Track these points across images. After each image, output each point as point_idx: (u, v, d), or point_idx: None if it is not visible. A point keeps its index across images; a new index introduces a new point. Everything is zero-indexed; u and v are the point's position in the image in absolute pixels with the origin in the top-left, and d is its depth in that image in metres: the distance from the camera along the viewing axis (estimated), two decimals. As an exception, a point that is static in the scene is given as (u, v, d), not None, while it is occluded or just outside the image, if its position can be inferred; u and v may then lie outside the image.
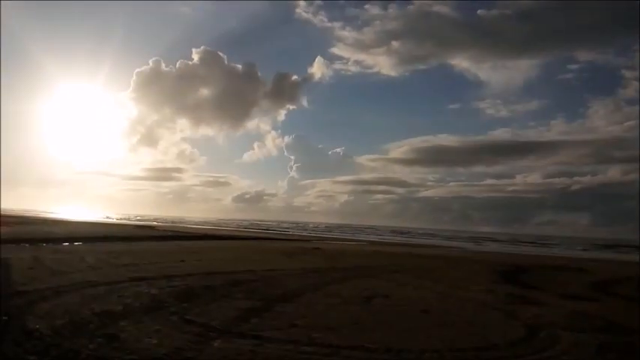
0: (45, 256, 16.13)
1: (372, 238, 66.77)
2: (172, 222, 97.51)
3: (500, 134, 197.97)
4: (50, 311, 7.73)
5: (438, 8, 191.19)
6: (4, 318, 7.13)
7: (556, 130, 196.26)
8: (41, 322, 6.90)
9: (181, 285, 11.16)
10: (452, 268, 21.41)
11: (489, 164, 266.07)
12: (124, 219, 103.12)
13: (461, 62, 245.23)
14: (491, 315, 9.98)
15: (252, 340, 6.68)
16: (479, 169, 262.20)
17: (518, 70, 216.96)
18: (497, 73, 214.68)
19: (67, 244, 24.12)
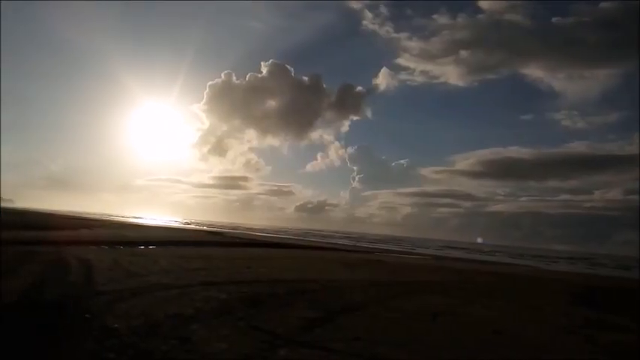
0: (122, 258, 17.22)
1: (436, 252, 64.95)
2: (239, 229, 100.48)
3: (577, 147, 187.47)
4: (127, 311, 8.23)
5: (509, 16, 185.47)
6: (86, 316, 7.68)
7: (638, 143, 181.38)
8: (119, 322, 7.36)
9: (248, 291, 11.46)
10: (524, 287, 20.35)
11: (564, 179, 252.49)
12: (194, 225, 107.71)
13: (534, 72, 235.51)
14: (568, 339, 9.35)
15: (316, 350, 6.72)
16: (553, 183, 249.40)
17: (596, 79, 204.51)
18: (574, 83, 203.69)
19: (142, 247, 25.59)
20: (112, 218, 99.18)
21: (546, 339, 9.22)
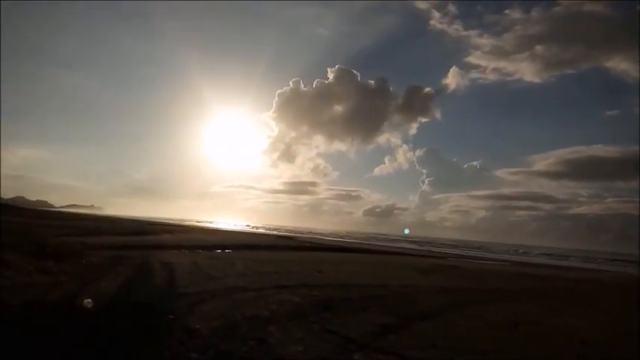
0: (201, 261, 18.05)
1: (515, 258, 61.71)
2: (308, 233, 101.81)
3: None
4: (207, 313, 8.61)
5: (589, 7, 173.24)
6: (170, 317, 8.13)
7: None
8: (200, 323, 7.71)
9: (320, 295, 11.56)
10: (613, 295, 18.78)
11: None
12: (265, 229, 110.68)
13: (618, 64, 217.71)
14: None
15: (391, 356, 6.63)
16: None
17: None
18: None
19: (219, 251, 26.69)
20: (190, 223, 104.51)
21: (638, 352, 8.44)
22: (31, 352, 5.78)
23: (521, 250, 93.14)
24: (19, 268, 11.84)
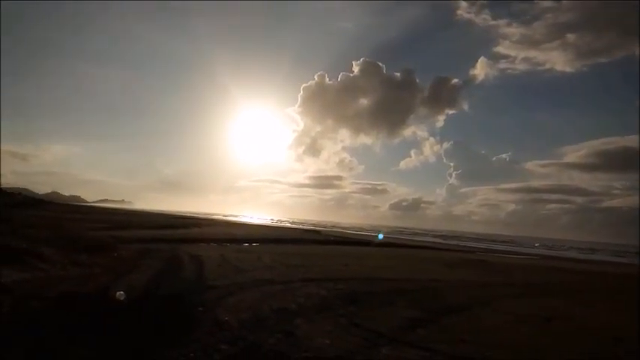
0: (229, 254, 18.29)
1: (546, 252, 60.28)
2: (334, 227, 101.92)
3: None
4: (236, 305, 8.70)
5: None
6: (200, 309, 8.25)
7: None
8: (229, 315, 7.80)
9: (346, 288, 11.54)
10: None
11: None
12: (291, 223, 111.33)
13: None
14: None
15: (420, 350, 6.55)
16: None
17: None
18: None
19: (246, 244, 27.01)
20: (217, 217, 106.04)
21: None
22: (67, 342, 5.95)
23: (551, 244, 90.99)
24: (54, 261, 12.24)
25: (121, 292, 8.86)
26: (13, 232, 14.92)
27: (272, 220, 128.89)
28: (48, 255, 12.54)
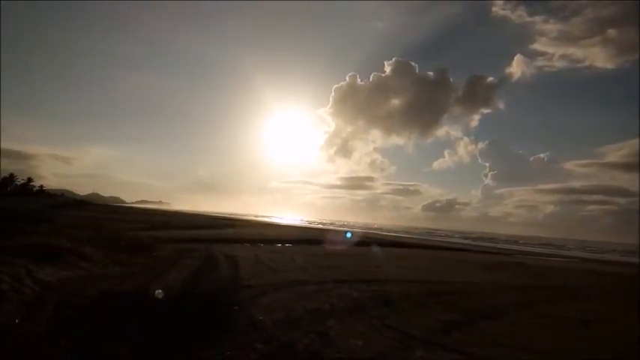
0: (263, 255, 18.51)
1: (586, 254, 58.11)
2: (366, 228, 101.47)
3: None
4: (270, 305, 8.82)
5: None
6: (235, 308, 8.41)
7: None
8: (264, 315, 7.92)
9: (380, 290, 11.50)
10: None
11: None
12: (324, 224, 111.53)
13: None
14: None
15: (455, 354, 6.48)
16: None
17: None
18: None
19: (279, 245, 27.24)
20: (250, 218, 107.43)
21: None
22: (107, 340, 6.19)
23: (591, 247, 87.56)
24: (95, 261, 12.70)
25: (160, 291, 9.13)
26: (56, 232, 15.57)
27: (303, 221, 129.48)
28: (89, 254, 13.03)
